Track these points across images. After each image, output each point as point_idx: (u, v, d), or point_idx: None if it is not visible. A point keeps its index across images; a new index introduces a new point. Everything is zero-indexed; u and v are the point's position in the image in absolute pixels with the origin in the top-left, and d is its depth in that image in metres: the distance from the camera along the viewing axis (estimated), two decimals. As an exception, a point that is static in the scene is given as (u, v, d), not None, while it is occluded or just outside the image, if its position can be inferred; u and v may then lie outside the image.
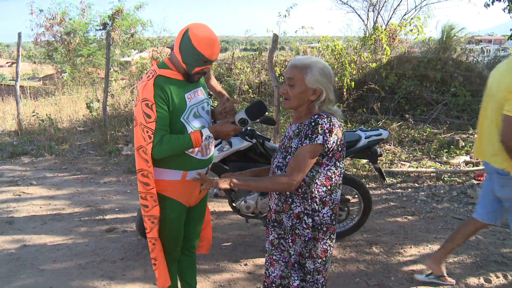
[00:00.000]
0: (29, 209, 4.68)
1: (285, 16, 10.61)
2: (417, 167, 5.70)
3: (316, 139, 1.87)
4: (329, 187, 1.98)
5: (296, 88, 1.94)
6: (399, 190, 5.11)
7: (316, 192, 1.96)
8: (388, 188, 5.19)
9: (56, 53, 15.23)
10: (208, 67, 2.17)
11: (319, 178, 1.96)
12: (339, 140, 1.93)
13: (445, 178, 5.34)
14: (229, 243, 3.83)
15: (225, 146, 3.43)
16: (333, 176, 1.97)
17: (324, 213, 1.99)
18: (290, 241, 2.06)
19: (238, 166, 3.45)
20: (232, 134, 2.28)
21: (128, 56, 15.12)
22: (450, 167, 5.75)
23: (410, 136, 6.94)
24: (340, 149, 1.95)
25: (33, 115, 8.54)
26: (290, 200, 2.02)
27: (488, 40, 35.43)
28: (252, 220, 4.07)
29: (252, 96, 9.62)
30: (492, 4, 8.66)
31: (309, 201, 1.98)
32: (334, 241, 2.09)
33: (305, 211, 1.99)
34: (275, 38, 6.04)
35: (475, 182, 5.21)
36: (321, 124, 1.88)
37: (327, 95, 1.95)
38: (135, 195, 5.11)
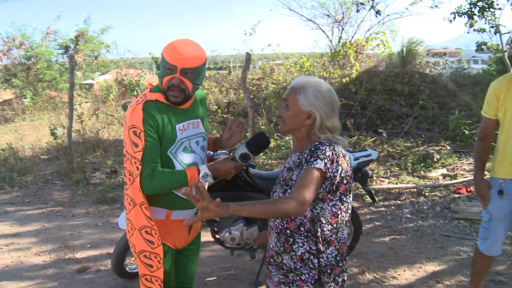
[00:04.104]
0: (-10, 251, 4.27)
1: (251, 34, 10.58)
2: (396, 183, 5.64)
3: (315, 162, 1.67)
4: (335, 225, 1.77)
5: (289, 110, 1.78)
6: (382, 208, 5.01)
7: (320, 231, 1.75)
8: (371, 207, 5.08)
9: (15, 78, 14.58)
10: (174, 76, 1.88)
11: (324, 216, 1.75)
12: (343, 171, 1.74)
13: (426, 193, 5.29)
14: (214, 277, 3.59)
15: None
16: (339, 212, 1.77)
17: (329, 254, 1.79)
18: (295, 285, 1.84)
19: (221, 195, 3.23)
20: (233, 172, 2.04)
21: (92, 79, 14.68)
22: (428, 181, 5.73)
23: (385, 151, 6.92)
24: (345, 181, 1.76)
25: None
26: (291, 239, 1.81)
27: (443, 53, 36.92)
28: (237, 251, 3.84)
29: (221, 115, 9.42)
30: (454, 20, 8.91)
31: (314, 240, 1.78)
32: (341, 283, 1.87)
33: (311, 251, 1.79)
34: (248, 56, 5.90)
35: (455, 195, 5.18)
36: (321, 150, 1.69)
37: (321, 122, 1.77)
38: (107, 228, 4.77)
